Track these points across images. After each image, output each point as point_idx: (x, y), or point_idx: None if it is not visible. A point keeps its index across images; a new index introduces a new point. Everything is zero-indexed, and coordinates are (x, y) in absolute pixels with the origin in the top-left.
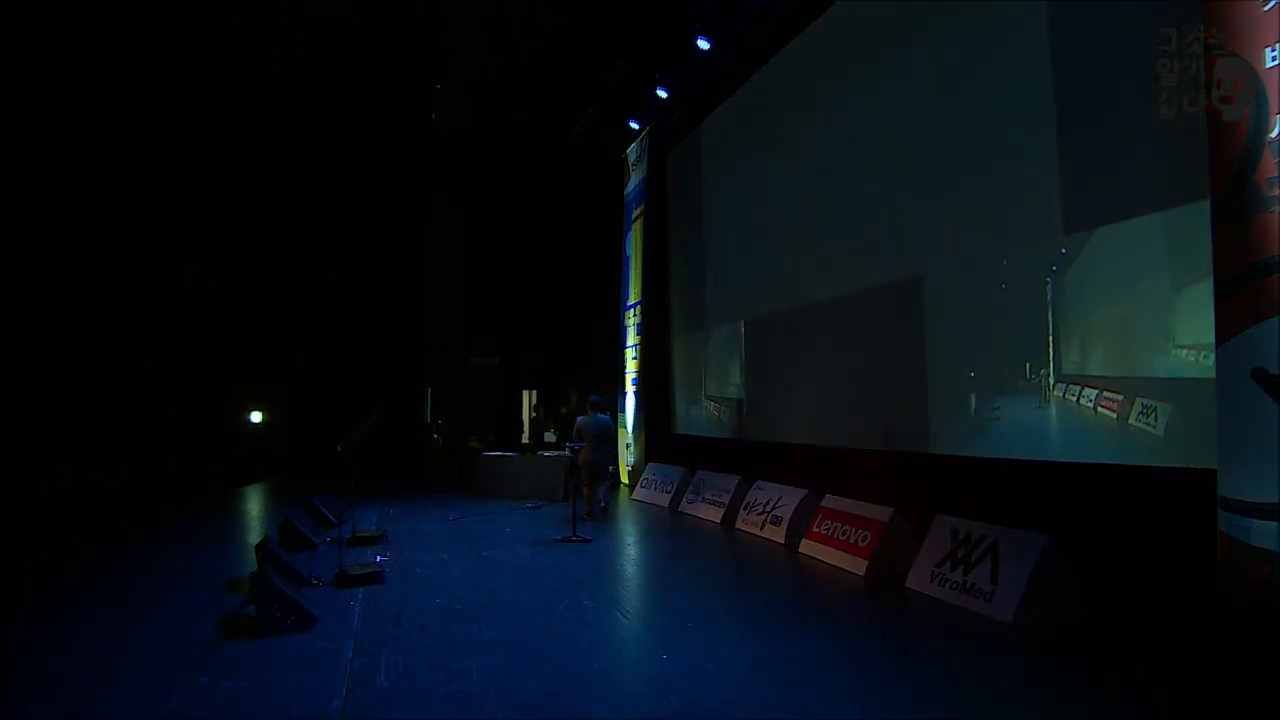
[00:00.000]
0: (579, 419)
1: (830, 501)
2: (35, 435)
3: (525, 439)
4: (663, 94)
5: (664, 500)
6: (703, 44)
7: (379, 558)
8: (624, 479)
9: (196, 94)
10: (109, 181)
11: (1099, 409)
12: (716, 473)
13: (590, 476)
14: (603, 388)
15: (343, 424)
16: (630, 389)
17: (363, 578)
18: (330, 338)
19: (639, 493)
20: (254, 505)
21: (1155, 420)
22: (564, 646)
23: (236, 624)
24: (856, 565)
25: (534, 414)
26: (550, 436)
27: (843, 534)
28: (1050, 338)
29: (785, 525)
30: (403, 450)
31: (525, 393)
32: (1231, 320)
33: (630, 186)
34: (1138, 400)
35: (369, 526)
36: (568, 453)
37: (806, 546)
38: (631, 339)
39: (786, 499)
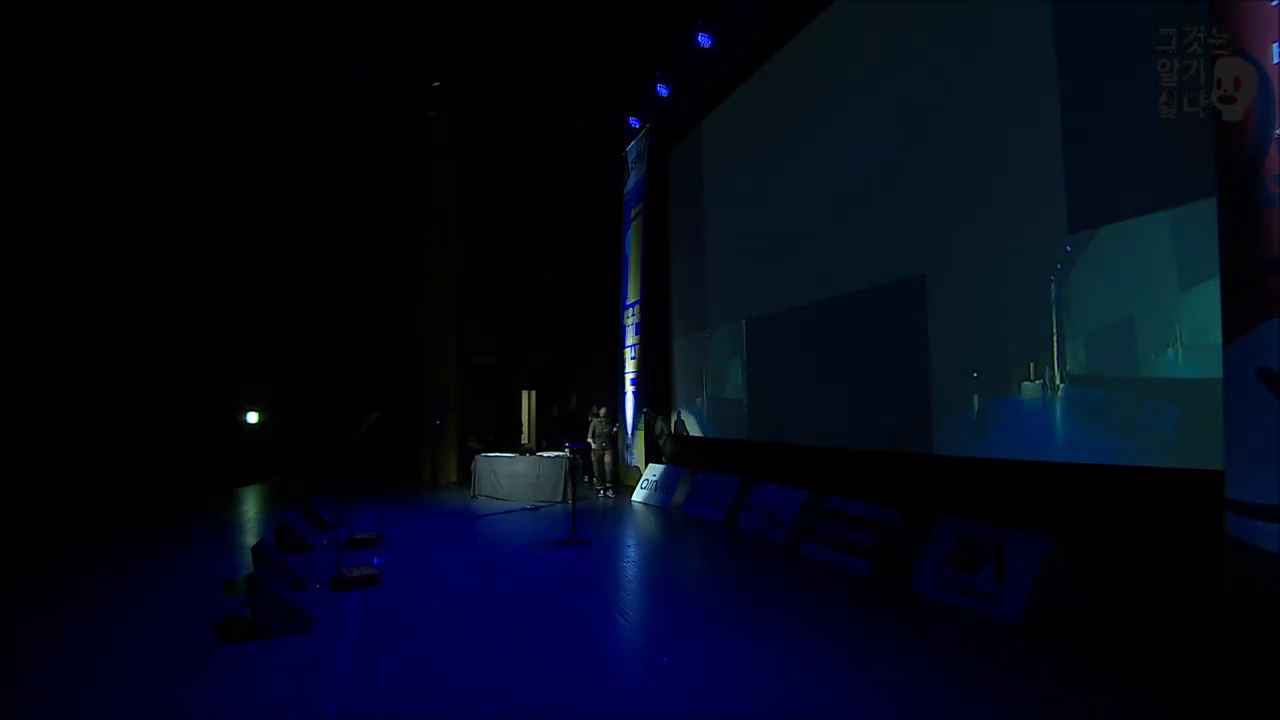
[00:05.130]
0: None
1: (833, 503)
2: (31, 436)
3: (525, 439)
4: (663, 91)
5: (664, 501)
6: (704, 41)
7: (376, 560)
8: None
9: (193, 92)
10: (105, 180)
11: (1104, 409)
12: (717, 474)
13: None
14: (603, 388)
15: (340, 425)
16: (630, 389)
17: (360, 580)
18: (328, 338)
19: (639, 494)
20: (250, 506)
21: (1161, 421)
22: (563, 649)
23: (232, 627)
24: (860, 567)
25: (552, 414)
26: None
27: (845, 536)
28: (1055, 337)
29: (787, 527)
30: (401, 451)
31: (525, 393)
32: (1239, 319)
33: (630, 185)
34: (1144, 401)
35: (366, 528)
36: (568, 453)
37: (809, 548)
38: (631, 339)
39: (788, 500)
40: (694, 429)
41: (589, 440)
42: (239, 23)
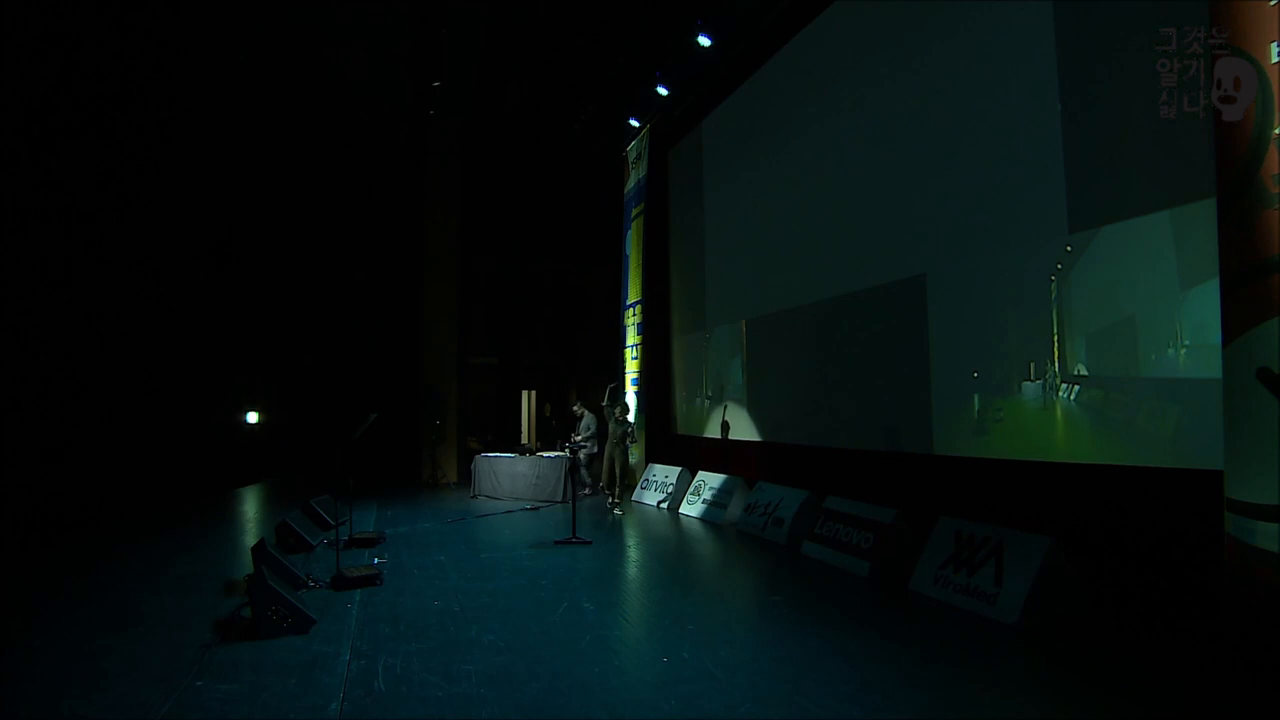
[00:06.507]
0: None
1: (832, 503)
2: (31, 436)
3: (525, 439)
4: (663, 91)
5: (664, 501)
6: (704, 41)
7: (376, 560)
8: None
9: (193, 91)
10: (104, 179)
11: (1104, 409)
12: (717, 473)
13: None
14: (602, 388)
15: (340, 425)
16: (630, 389)
17: (360, 580)
18: (328, 338)
19: (639, 493)
20: (250, 507)
21: (1162, 421)
22: (563, 649)
23: (232, 627)
24: (859, 567)
25: (545, 414)
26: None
27: (845, 535)
28: (1055, 337)
29: (787, 526)
30: (401, 451)
31: (525, 393)
32: (1238, 319)
33: (630, 185)
34: (1144, 401)
35: (367, 528)
36: (568, 453)
37: (808, 548)
38: (631, 338)
39: (788, 500)
40: (747, 430)
41: (613, 426)
42: (239, 22)
